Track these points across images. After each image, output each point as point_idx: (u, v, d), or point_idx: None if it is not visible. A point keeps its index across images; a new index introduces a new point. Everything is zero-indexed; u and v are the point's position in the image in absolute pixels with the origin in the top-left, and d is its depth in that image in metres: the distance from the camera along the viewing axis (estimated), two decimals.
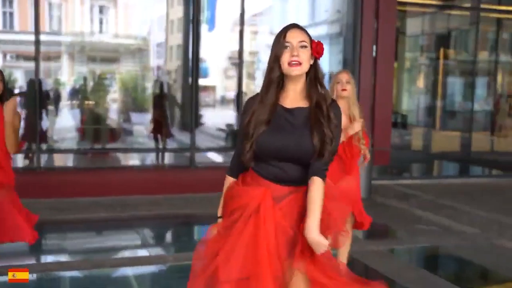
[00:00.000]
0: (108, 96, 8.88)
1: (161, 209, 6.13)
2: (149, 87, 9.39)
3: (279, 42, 2.05)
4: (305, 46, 2.04)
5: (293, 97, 2.11)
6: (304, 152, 2.03)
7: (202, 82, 8.76)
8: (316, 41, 2.09)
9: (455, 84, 11.82)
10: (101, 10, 9.28)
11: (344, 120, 3.44)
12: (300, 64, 2.03)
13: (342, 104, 3.37)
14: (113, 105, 8.98)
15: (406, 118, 11.25)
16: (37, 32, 6.61)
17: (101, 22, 9.29)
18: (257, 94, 2.14)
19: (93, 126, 8.49)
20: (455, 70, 11.74)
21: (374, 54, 7.70)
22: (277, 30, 2.13)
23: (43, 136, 7.39)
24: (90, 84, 8.73)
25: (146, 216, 5.93)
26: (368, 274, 4.41)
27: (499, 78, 11.91)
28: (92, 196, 6.40)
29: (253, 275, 1.98)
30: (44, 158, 7.35)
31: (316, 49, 2.08)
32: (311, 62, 2.08)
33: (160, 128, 8.25)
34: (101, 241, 5.34)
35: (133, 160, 8.20)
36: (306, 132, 2.04)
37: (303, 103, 2.10)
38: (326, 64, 8.88)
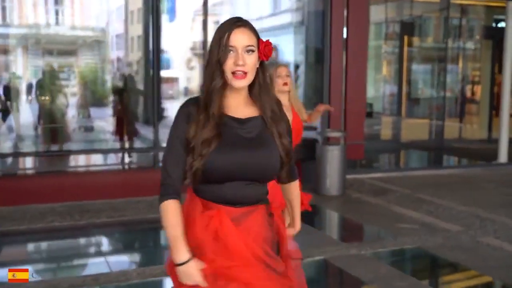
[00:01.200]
0: (66, 91, 8.29)
1: (124, 215, 5.67)
2: (109, 81, 8.90)
3: (221, 44, 1.75)
4: (252, 50, 1.78)
5: (239, 104, 1.85)
6: (270, 170, 1.83)
7: (164, 73, 8.46)
8: (264, 40, 1.82)
9: (421, 71, 11.74)
10: (57, 0, 8.68)
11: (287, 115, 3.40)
12: (245, 74, 1.76)
13: (283, 98, 3.59)
14: (72, 100, 8.40)
15: (372, 107, 11.09)
16: None
17: (56, 14, 8.67)
18: (193, 101, 1.84)
19: (50, 125, 7.90)
20: (421, 57, 11.64)
21: (344, 43, 7.39)
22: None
23: None
24: (46, 79, 8.12)
25: (107, 223, 5.45)
26: (351, 284, 4.08)
27: (463, 64, 11.91)
28: (47, 202, 5.88)
29: None
30: None
31: (264, 51, 1.81)
32: (257, 65, 1.81)
33: (122, 124, 7.79)
34: (56, 256, 4.85)
35: (93, 161, 7.66)
36: (268, 146, 1.82)
37: (251, 111, 1.85)
38: (291, 54, 8.62)
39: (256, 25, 1.88)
